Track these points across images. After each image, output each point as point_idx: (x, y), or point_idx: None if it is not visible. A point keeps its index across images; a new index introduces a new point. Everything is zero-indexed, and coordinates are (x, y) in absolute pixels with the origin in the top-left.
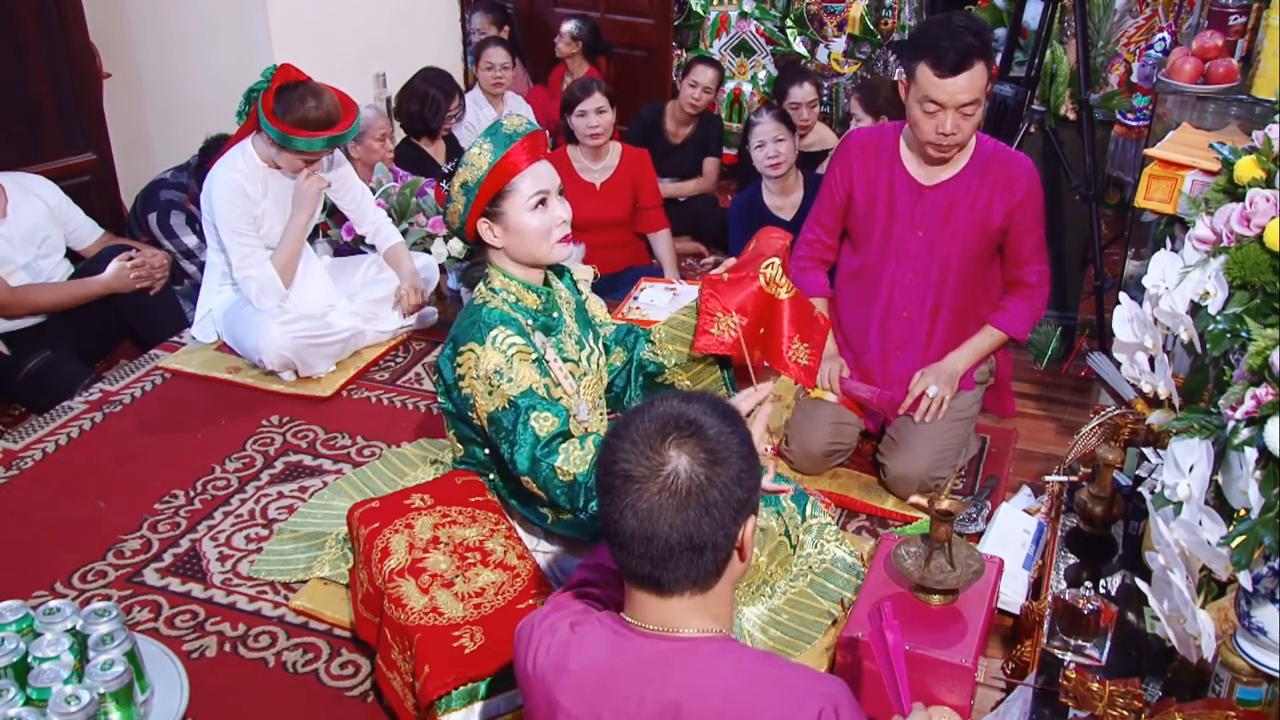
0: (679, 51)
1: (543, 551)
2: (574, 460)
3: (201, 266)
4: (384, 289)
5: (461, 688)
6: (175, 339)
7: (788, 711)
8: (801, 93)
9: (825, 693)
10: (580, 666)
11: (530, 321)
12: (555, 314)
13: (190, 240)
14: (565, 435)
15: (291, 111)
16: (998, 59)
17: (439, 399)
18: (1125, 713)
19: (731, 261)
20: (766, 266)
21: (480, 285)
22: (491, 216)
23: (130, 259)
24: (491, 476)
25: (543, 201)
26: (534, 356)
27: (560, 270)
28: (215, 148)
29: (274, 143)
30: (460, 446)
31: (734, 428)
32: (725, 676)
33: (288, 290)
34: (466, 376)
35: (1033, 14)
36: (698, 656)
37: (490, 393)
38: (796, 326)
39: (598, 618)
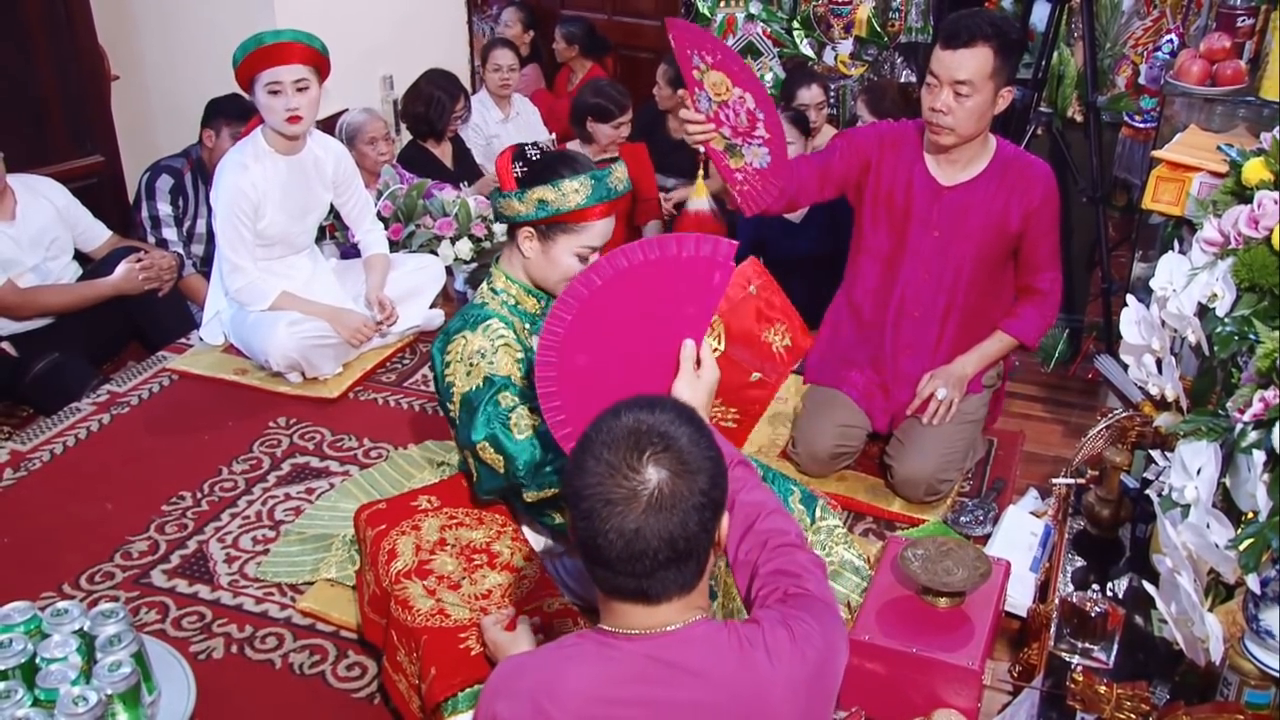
0: None
1: (549, 553)
2: (522, 426)
3: (161, 242)
4: (389, 291)
5: (468, 690)
6: (183, 340)
7: (784, 672)
8: (809, 94)
9: (815, 632)
10: (574, 684)
11: (527, 325)
12: None
13: (163, 208)
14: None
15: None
16: None
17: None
18: (1133, 716)
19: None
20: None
21: (483, 286)
22: (540, 234)
23: (139, 260)
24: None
25: (590, 254)
26: (520, 356)
27: None
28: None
29: (248, 72)
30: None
31: (700, 433)
32: (720, 657)
33: (264, 309)
34: (452, 363)
35: (1040, 16)
36: (689, 645)
37: (469, 373)
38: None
39: (576, 637)
